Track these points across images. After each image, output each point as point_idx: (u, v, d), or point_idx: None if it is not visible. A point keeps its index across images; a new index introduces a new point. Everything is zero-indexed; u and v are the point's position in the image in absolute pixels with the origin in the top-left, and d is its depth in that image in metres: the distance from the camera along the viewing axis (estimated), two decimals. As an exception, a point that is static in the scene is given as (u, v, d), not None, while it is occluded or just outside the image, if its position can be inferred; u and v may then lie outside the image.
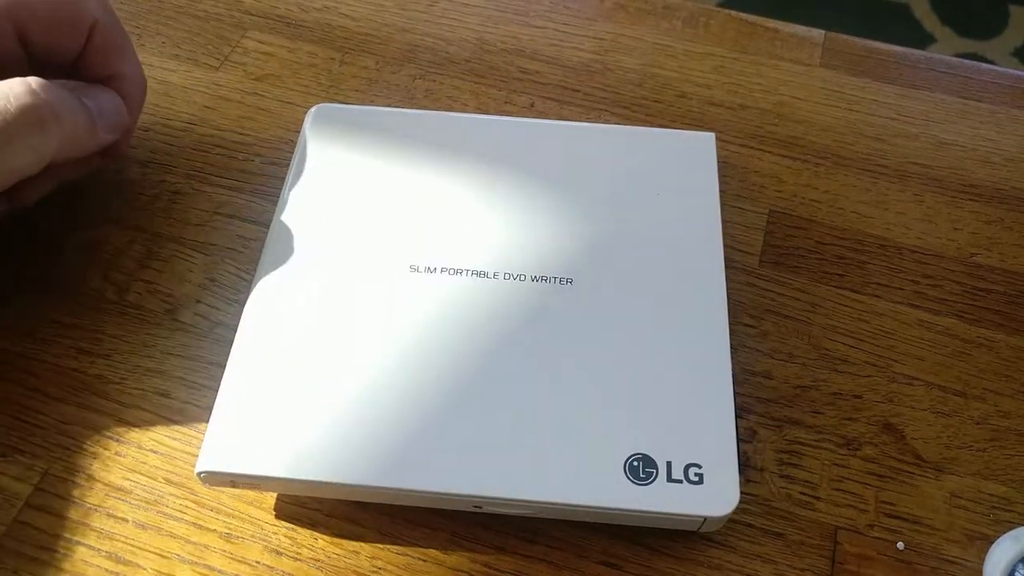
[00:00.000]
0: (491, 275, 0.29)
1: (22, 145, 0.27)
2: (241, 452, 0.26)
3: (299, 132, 0.34)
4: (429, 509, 0.27)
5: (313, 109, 0.34)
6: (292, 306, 0.29)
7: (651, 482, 0.25)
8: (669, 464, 0.26)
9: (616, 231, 0.31)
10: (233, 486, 0.26)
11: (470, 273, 0.29)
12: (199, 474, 0.26)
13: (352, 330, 0.28)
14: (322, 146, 0.33)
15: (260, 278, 0.29)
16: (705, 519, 0.25)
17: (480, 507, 0.26)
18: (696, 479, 0.25)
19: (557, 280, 0.29)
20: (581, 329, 0.28)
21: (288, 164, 0.33)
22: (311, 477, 0.25)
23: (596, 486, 0.25)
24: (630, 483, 0.25)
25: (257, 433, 0.26)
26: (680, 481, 0.25)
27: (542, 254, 0.30)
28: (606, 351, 0.28)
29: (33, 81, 0.27)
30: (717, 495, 0.25)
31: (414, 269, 0.29)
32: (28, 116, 0.27)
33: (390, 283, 0.29)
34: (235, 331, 0.29)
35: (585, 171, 0.32)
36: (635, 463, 0.26)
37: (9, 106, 0.26)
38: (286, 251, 0.30)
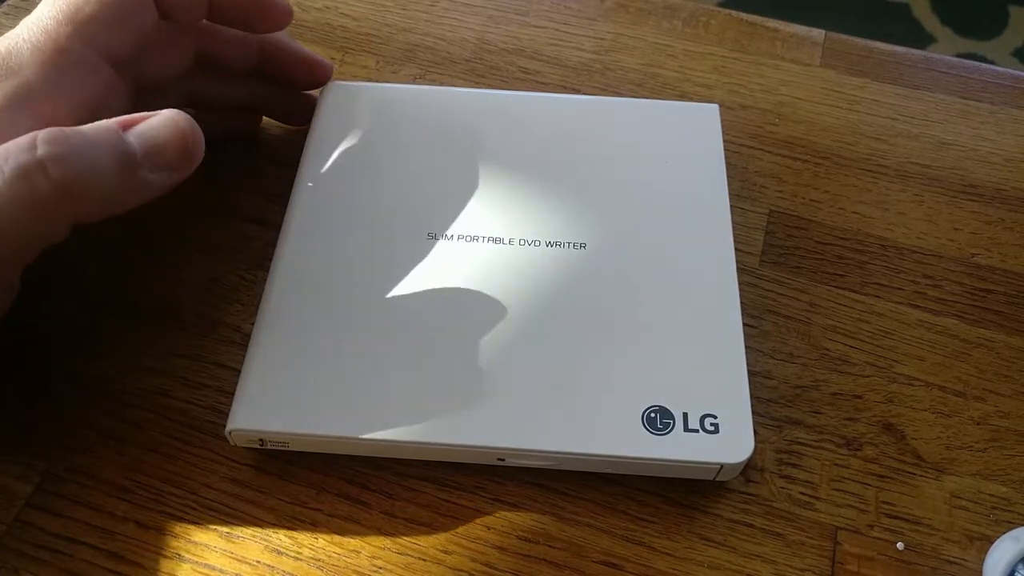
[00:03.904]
0: (507, 241, 0.30)
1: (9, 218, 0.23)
2: (270, 410, 0.26)
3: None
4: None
5: (329, 85, 0.35)
6: (316, 271, 0.29)
7: (668, 432, 0.26)
8: (685, 415, 0.26)
9: (626, 197, 0.32)
10: (262, 445, 0.27)
11: (486, 240, 0.30)
12: (229, 432, 0.26)
13: (374, 294, 0.29)
14: (338, 121, 0.34)
15: (285, 244, 0.30)
16: (722, 466, 0.26)
17: (503, 459, 0.27)
18: (712, 428, 0.26)
19: (570, 245, 0.30)
20: (596, 290, 0.29)
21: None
22: (339, 433, 0.26)
23: (616, 437, 0.26)
24: (648, 433, 0.26)
25: (285, 392, 0.27)
26: (696, 431, 0.26)
27: (555, 221, 0.31)
28: (620, 310, 0.29)
29: (42, 134, 0.23)
30: (732, 443, 0.26)
31: (432, 236, 0.30)
32: (19, 181, 0.23)
33: (409, 249, 0.30)
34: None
35: (594, 141, 0.33)
36: (652, 414, 0.26)
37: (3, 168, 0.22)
38: (308, 219, 0.31)
